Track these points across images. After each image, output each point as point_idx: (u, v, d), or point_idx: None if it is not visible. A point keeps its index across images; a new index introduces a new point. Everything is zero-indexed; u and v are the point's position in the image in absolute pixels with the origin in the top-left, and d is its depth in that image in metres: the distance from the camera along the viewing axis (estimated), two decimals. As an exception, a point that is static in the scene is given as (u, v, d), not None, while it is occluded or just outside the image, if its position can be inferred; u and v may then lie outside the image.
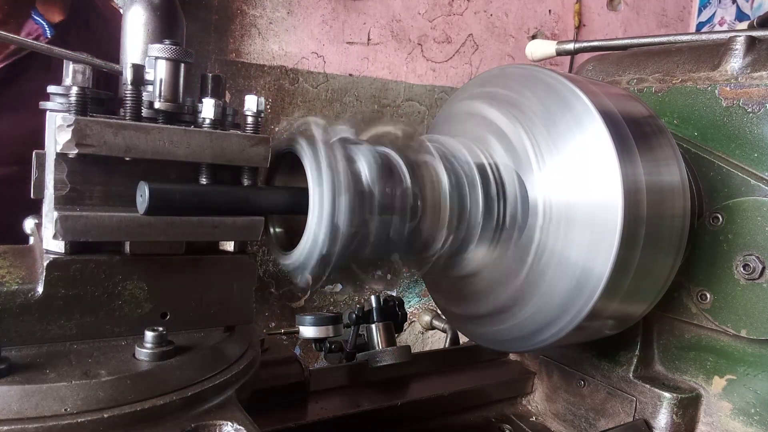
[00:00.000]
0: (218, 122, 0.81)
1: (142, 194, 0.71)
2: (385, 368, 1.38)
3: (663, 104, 1.32)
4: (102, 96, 0.81)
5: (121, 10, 0.88)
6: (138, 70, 0.77)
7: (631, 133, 0.98)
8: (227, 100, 1.65)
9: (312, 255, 0.85)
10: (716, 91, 1.22)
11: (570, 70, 3.43)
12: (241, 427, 0.71)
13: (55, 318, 0.74)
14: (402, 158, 0.95)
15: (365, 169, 0.89)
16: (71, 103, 0.71)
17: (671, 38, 1.45)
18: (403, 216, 0.93)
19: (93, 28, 1.68)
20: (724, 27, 4.28)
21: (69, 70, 0.73)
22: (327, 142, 0.86)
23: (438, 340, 3.53)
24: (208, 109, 0.80)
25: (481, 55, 3.59)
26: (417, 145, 1.01)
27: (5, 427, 0.62)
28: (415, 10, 3.35)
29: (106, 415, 0.65)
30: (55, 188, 0.72)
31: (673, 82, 1.32)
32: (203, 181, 0.81)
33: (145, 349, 0.74)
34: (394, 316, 1.68)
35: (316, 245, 0.84)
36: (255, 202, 0.83)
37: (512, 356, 1.58)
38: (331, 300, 3.29)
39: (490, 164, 1.05)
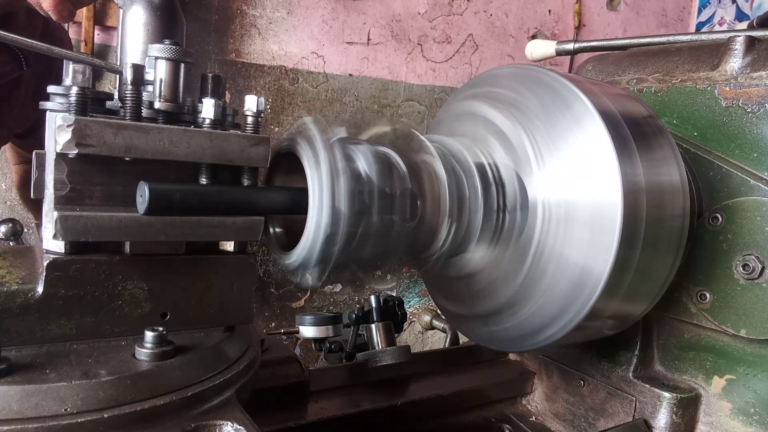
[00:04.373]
0: (218, 122, 0.81)
1: (142, 194, 0.71)
2: (385, 368, 1.38)
3: (663, 104, 1.32)
4: (102, 96, 0.81)
5: (121, 11, 0.88)
6: (138, 70, 0.77)
7: (631, 133, 0.98)
8: (227, 100, 1.65)
9: (315, 246, 0.84)
10: (716, 91, 1.22)
11: (570, 70, 3.43)
12: (241, 427, 0.71)
13: (55, 318, 0.74)
14: (401, 157, 0.95)
15: (364, 167, 0.89)
16: (71, 103, 0.71)
17: (671, 38, 1.45)
18: (404, 215, 0.93)
19: (52, 61, 1.66)
20: (724, 27, 4.28)
21: (69, 70, 0.73)
22: (326, 141, 0.86)
23: (438, 340, 3.53)
24: (208, 109, 0.80)
25: (481, 55, 3.59)
26: (416, 145, 1.01)
27: (5, 427, 0.62)
28: (415, 10, 3.35)
29: (106, 415, 0.65)
30: (55, 188, 0.72)
31: (673, 82, 1.32)
32: (203, 181, 0.81)
33: (145, 349, 0.74)
34: (393, 316, 1.68)
35: (318, 232, 0.84)
36: (255, 202, 0.83)
37: (512, 356, 1.58)
38: (331, 300, 3.29)
39: (489, 164, 1.05)
